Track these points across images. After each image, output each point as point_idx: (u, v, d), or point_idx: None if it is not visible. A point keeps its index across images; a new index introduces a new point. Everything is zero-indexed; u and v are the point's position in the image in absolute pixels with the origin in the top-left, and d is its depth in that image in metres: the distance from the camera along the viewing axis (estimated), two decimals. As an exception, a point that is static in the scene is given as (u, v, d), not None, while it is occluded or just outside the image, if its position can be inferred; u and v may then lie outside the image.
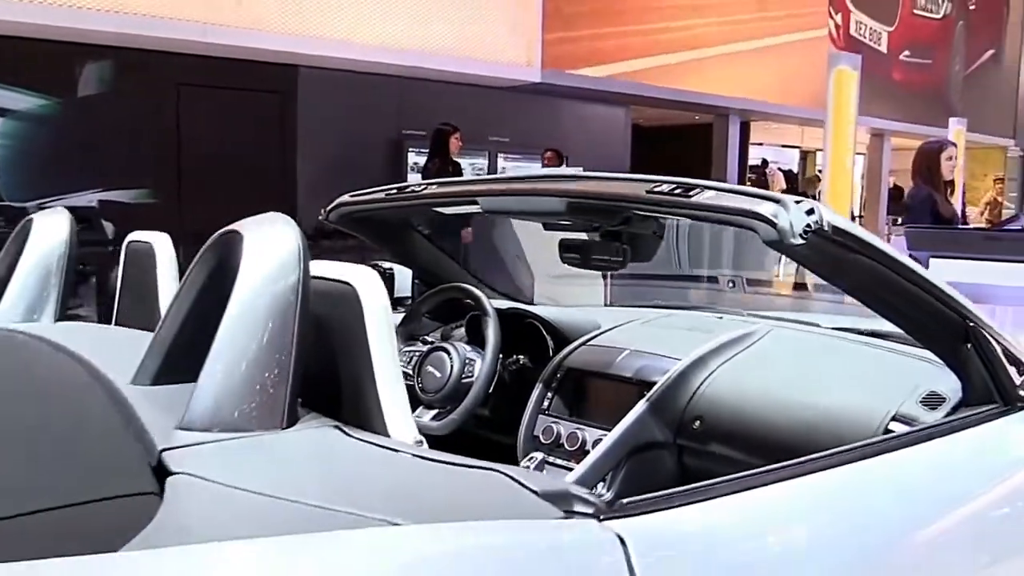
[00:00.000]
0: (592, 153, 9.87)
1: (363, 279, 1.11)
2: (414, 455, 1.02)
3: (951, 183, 5.30)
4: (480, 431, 2.16)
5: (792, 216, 1.29)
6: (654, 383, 1.96)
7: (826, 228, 1.30)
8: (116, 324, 1.91)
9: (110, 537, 0.76)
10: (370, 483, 0.95)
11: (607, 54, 10.06)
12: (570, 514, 0.92)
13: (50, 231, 1.74)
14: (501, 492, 0.94)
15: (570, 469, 1.94)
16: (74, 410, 1.05)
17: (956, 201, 6.90)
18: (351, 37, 8.05)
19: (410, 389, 1.60)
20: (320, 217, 2.21)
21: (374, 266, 2.00)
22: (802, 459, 1.18)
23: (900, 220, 9.18)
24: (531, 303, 2.56)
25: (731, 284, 2.84)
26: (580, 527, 0.90)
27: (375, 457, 1.01)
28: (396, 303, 2.78)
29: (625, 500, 0.96)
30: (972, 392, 1.56)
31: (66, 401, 1.07)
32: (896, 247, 1.61)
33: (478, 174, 9.03)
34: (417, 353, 2.19)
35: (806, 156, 18.24)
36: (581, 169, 6.02)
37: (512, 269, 4.14)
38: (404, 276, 2.91)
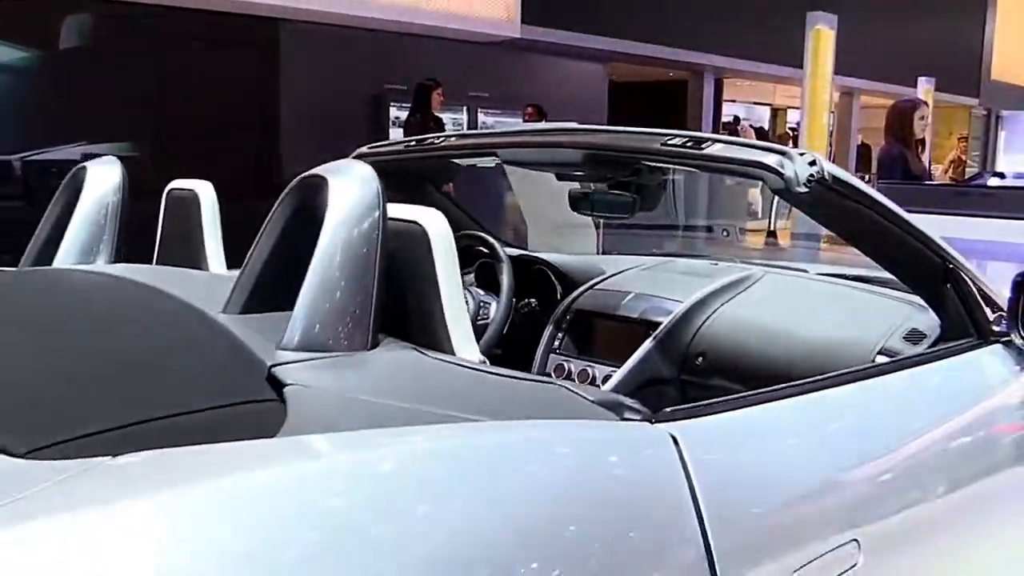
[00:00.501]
0: (570, 109, 9.97)
1: (431, 219, 1.26)
2: (483, 370, 1.17)
3: (922, 141, 5.49)
4: None
5: (797, 166, 1.45)
6: (659, 323, 2.12)
7: (827, 177, 1.46)
8: None
9: (254, 433, 0.91)
10: (450, 390, 1.11)
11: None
12: (624, 419, 1.08)
13: (103, 179, 1.84)
14: (562, 399, 1.10)
15: None
16: (185, 333, 1.18)
17: (925, 159, 7.11)
18: (333, -9, 8.07)
19: None
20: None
21: None
22: (811, 379, 1.36)
23: (867, 178, 9.39)
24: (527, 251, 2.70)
25: (725, 233, 3.01)
26: (636, 427, 1.06)
27: (451, 371, 1.16)
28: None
29: (669, 408, 1.12)
30: (950, 328, 1.74)
31: (175, 326, 1.21)
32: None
33: (458, 129, 9.12)
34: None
35: (776, 113, 18.44)
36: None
37: (507, 220, 4.29)
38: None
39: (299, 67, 8.33)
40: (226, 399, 1.00)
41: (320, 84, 8.38)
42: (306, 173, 1.27)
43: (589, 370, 2.19)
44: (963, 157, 18.10)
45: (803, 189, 1.44)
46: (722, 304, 2.12)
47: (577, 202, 2.03)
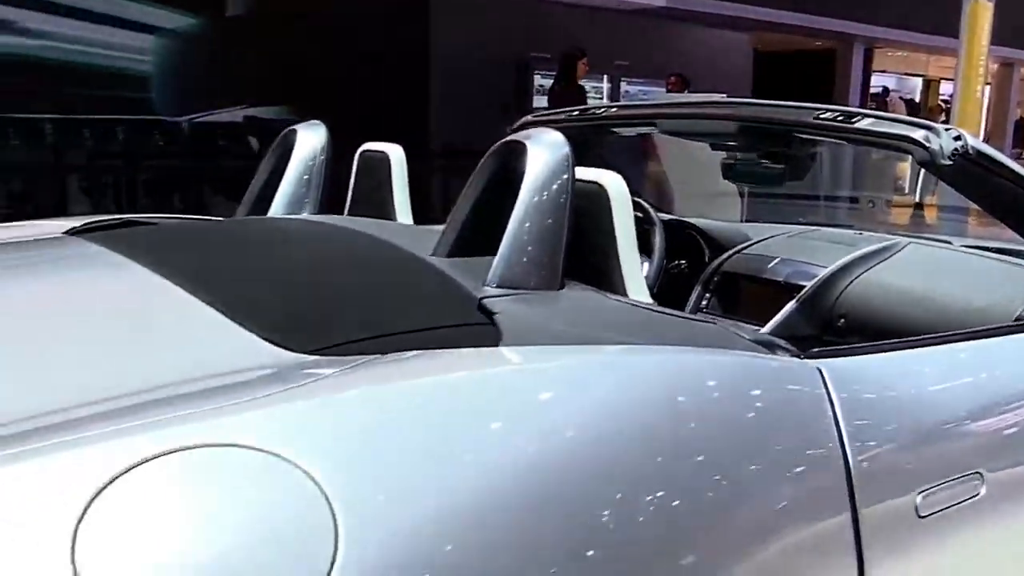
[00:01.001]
0: (714, 79, 9.95)
1: (610, 180, 1.46)
2: (655, 310, 1.37)
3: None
4: None
5: (943, 140, 1.58)
6: (803, 287, 2.26)
7: (971, 152, 1.58)
8: None
9: (481, 345, 1.13)
10: (628, 324, 1.31)
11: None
12: (776, 355, 1.26)
13: (311, 140, 2.11)
14: (724, 335, 1.30)
15: None
16: (412, 268, 1.41)
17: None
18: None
19: None
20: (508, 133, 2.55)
21: None
22: (950, 332, 1.51)
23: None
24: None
25: (871, 204, 3.09)
26: (787, 361, 1.24)
27: (628, 309, 1.37)
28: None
29: (816, 349, 1.30)
30: None
31: (401, 264, 1.44)
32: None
33: (598, 98, 9.25)
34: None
35: (929, 85, 17.74)
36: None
37: (649, 188, 4.46)
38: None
39: (448, 35, 8.60)
40: (454, 320, 1.22)
41: (468, 51, 8.63)
42: (506, 138, 1.48)
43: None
44: None
45: (948, 162, 1.57)
46: (865, 270, 2.24)
47: (729, 171, 2.19)
